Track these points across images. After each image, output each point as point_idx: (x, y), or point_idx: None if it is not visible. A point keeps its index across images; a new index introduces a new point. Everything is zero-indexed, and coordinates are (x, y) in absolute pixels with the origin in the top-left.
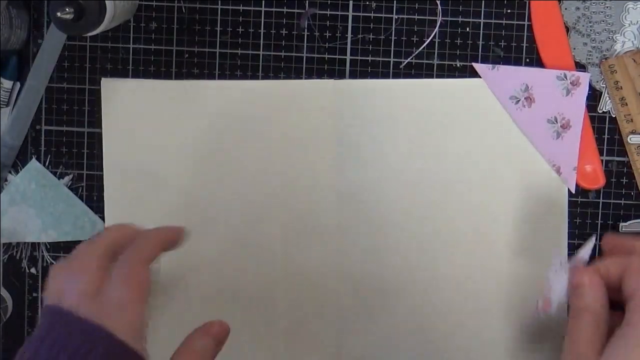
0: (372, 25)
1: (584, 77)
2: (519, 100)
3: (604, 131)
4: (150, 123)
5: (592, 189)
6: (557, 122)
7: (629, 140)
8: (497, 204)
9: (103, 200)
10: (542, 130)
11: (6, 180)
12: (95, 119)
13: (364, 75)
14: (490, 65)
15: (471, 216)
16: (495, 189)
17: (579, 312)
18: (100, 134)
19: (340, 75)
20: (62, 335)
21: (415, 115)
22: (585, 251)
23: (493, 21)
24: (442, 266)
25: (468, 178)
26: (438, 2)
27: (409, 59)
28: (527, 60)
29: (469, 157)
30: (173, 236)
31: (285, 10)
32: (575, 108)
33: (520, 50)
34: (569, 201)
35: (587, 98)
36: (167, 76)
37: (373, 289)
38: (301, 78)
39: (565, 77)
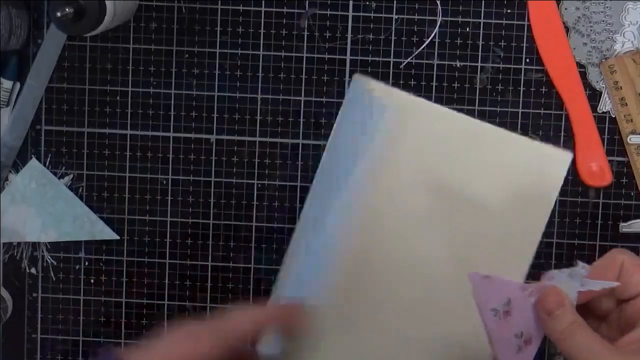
0: (372, 25)
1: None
2: (497, 312)
3: (604, 131)
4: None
5: (600, 187)
6: (521, 336)
7: (629, 140)
8: None
9: (103, 200)
10: (508, 343)
11: (6, 180)
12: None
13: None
14: (484, 275)
15: None
16: None
17: (569, 329)
18: (103, 134)
19: (340, 75)
20: None
21: None
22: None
23: (493, 21)
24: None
25: None
26: (438, 2)
27: (409, 59)
28: (527, 60)
29: None
30: (278, 316)
31: (285, 10)
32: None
33: (520, 50)
34: (569, 201)
35: (588, 99)
36: (167, 76)
37: None
38: (301, 78)
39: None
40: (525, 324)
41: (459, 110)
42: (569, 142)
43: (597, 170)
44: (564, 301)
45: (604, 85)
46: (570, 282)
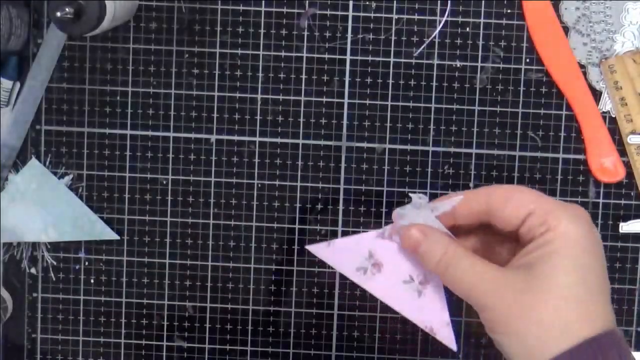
0: (372, 25)
1: None
2: (366, 269)
3: None
4: None
5: (614, 183)
6: (413, 280)
7: (628, 140)
8: None
9: (103, 200)
10: (400, 294)
11: (6, 179)
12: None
13: (363, 75)
14: (325, 243)
15: None
16: None
17: (445, 259)
18: (103, 134)
19: (340, 75)
20: None
21: None
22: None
23: (493, 21)
24: None
25: None
26: (439, 2)
27: (409, 59)
28: (527, 60)
29: None
30: None
31: (285, 10)
32: None
33: (520, 50)
34: (569, 201)
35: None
36: (167, 76)
37: None
38: (301, 78)
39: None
40: (407, 267)
41: (459, 110)
42: (571, 141)
43: (610, 166)
44: (426, 231)
45: (604, 85)
46: (421, 213)
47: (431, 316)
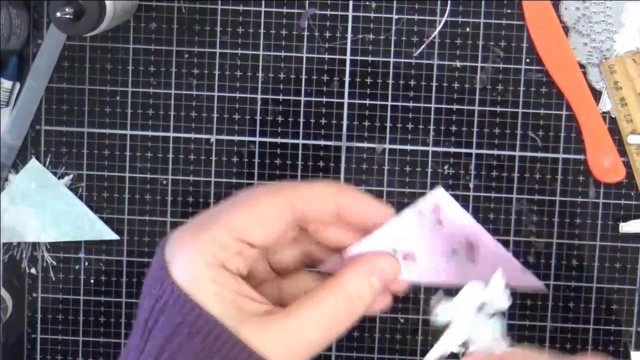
0: (372, 25)
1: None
2: (456, 251)
3: None
4: None
5: (614, 183)
6: (460, 253)
7: (628, 140)
8: None
9: (103, 200)
10: (452, 270)
11: (6, 180)
12: None
13: (363, 75)
14: (337, 257)
15: None
16: None
17: None
18: (103, 134)
19: (340, 75)
20: None
21: None
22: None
23: (493, 21)
24: None
25: None
26: (439, 2)
27: (409, 59)
28: (527, 60)
29: None
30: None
31: (285, 10)
32: (461, 228)
33: (520, 50)
34: (569, 201)
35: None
36: (167, 76)
37: None
38: (301, 78)
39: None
40: (443, 243)
41: (459, 110)
42: (571, 141)
43: (610, 166)
44: None
45: (604, 85)
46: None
47: (504, 267)
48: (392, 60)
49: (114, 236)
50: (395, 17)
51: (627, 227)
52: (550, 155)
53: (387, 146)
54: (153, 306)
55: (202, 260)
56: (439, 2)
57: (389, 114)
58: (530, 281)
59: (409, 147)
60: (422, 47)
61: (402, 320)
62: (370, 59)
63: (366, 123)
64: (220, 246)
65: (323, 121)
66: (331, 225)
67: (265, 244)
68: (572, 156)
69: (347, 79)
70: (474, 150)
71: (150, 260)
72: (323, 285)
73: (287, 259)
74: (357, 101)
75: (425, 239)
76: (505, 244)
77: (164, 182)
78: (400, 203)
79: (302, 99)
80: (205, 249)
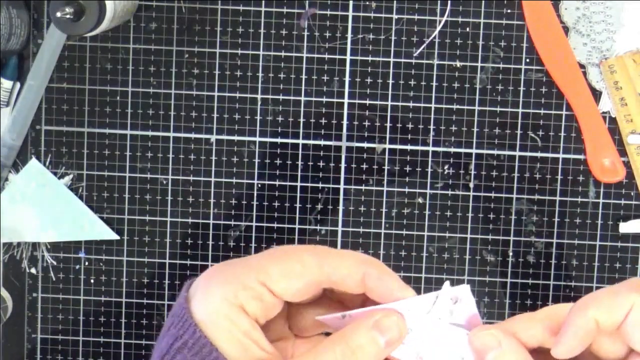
0: (372, 25)
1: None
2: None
3: None
4: None
5: (614, 183)
6: None
7: (628, 140)
8: None
9: (103, 200)
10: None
11: (6, 180)
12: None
13: (363, 75)
14: (339, 315)
15: None
16: None
17: None
18: (103, 134)
19: (340, 75)
20: None
21: None
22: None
23: (493, 21)
24: None
25: None
26: (439, 2)
27: (409, 59)
28: (527, 60)
29: None
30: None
31: (285, 10)
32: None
33: (520, 50)
34: (569, 201)
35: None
36: (167, 76)
37: None
38: (301, 78)
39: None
40: (453, 349)
41: (459, 110)
42: (571, 141)
43: (610, 166)
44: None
45: (604, 85)
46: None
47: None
48: (392, 60)
49: (114, 236)
50: (395, 17)
51: (627, 227)
52: (550, 155)
53: (387, 146)
54: (171, 345)
55: (222, 296)
56: (439, 2)
57: (389, 114)
58: None
59: (409, 147)
60: (422, 47)
61: None
62: (370, 59)
63: (366, 123)
64: (242, 285)
65: (323, 121)
66: (356, 294)
67: (286, 295)
68: (572, 156)
69: (347, 79)
70: (474, 150)
71: (150, 260)
72: (328, 338)
73: (307, 321)
74: (357, 101)
75: (431, 330)
76: (505, 243)
77: (164, 182)
78: (400, 203)
79: (302, 99)
80: (228, 285)
